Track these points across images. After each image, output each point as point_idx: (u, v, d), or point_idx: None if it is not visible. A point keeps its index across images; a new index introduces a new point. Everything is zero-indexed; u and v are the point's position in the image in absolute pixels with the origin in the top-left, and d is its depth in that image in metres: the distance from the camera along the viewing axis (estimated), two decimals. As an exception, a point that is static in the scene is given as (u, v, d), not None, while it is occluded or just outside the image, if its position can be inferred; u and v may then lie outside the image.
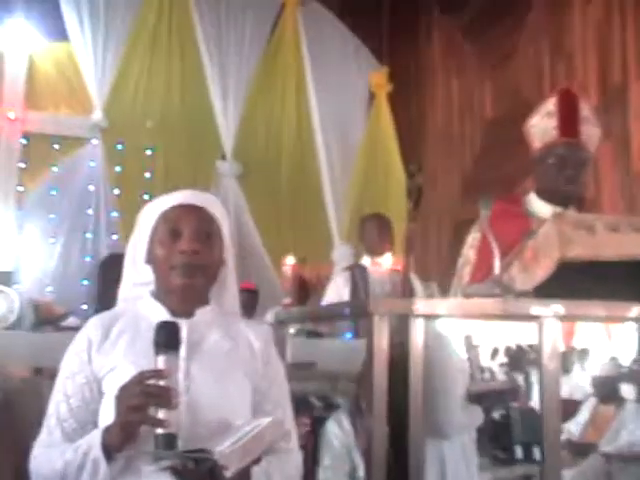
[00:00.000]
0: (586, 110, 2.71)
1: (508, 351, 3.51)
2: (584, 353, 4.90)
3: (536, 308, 1.82)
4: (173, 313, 1.59)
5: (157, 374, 1.40)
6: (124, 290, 1.70)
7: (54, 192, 7.05)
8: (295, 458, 1.66)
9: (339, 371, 3.69)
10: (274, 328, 2.70)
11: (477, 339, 2.84)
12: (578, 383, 5.90)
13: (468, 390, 2.69)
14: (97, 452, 1.43)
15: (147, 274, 1.64)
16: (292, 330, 5.60)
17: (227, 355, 1.60)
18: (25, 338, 5.88)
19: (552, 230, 1.76)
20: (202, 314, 1.62)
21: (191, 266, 1.57)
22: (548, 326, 1.86)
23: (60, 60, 7.15)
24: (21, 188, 6.97)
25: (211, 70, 7.50)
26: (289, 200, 7.74)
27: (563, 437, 4.92)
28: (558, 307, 1.81)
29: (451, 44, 7.50)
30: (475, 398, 2.71)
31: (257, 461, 1.47)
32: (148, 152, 7.36)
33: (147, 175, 7.31)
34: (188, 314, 1.60)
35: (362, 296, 3.47)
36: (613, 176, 5.48)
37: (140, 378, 1.41)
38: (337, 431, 2.87)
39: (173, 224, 1.60)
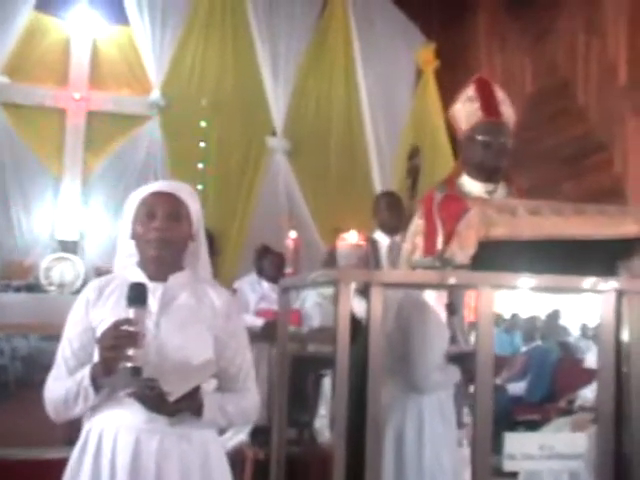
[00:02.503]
0: (500, 93, 2.97)
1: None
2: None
3: (464, 278, 2.12)
4: (151, 278, 1.98)
5: (127, 322, 1.81)
6: (119, 260, 2.10)
7: (117, 166, 7.60)
8: (252, 397, 2.04)
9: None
10: (279, 294, 3.05)
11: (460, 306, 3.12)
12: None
13: (448, 351, 3.00)
14: (86, 382, 1.86)
15: (132, 247, 2.04)
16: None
17: (192, 311, 1.98)
18: (89, 301, 6.47)
19: (477, 213, 2.06)
20: (174, 279, 2.01)
21: (162, 240, 1.95)
22: (481, 294, 2.16)
23: (122, 44, 7.66)
24: (86, 163, 7.53)
25: (262, 50, 7.88)
26: (337, 175, 8.08)
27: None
28: (483, 278, 2.10)
29: (495, 21, 7.65)
30: (455, 359, 3.00)
31: (196, 390, 1.86)
32: (203, 128, 7.81)
33: (202, 150, 7.78)
34: (163, 279, 1.99)
35: (371, 267, 3.82)
36: (640, 152, 5.62)
37: (115, 325, 1.82)
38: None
39: (149, 207, 1.98)
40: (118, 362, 1.79)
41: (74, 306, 2.01)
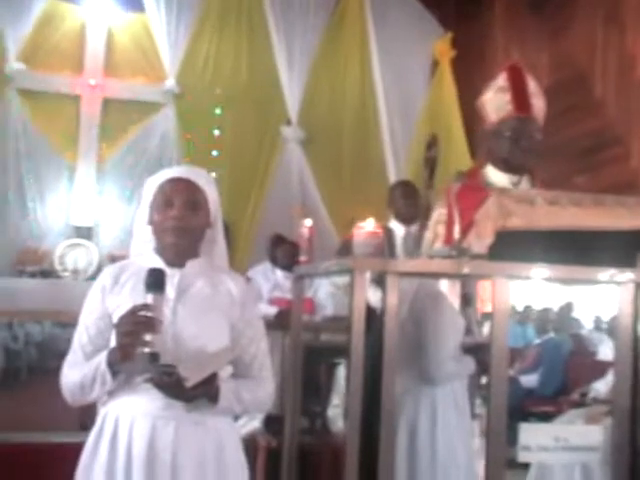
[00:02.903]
0: (533, 84, 2.91)
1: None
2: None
3: (479, 268, 2.11)
4: (168, 264, 1.97)
5: (145, 307, 1.80)
6: (135, 245, 2.10)
7: (131, 154, 7.61)
8: (267, 385, 2.03)
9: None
10: (294, 282, 3.05)
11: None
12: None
13: (463, 342, 2.98)
14: (103, 367, 1.86)
15: (149, 233, 2.03)
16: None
17: (209, 299, 1.98)
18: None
19: (494, 203, 2.05)
20: (192, 266, 2.00)
21: (180, 229, 1.95)
22: (497, 284, 2.15)
23: (137, 31, 7.66)
24: (101, 150, 7.55)
25: (277, 39, 7.86)
26: (351, 165, 8.05)
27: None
28: (499, 268, 2.09)
29: (512, 13, 7.60)
30: (469, 349, 2.98)
31: (214, 376, 1.86)
32: (217, 117, 7.81)
33: (216, 139, 7.78)
34: (180, 265, 1.99)
35: (385, 255, 3.80)
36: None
37: (132, 310, 1.82)
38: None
39: (167, 195, 1.97)
40: (135, 347, 1.79)
41: (90, 293, 2.01)
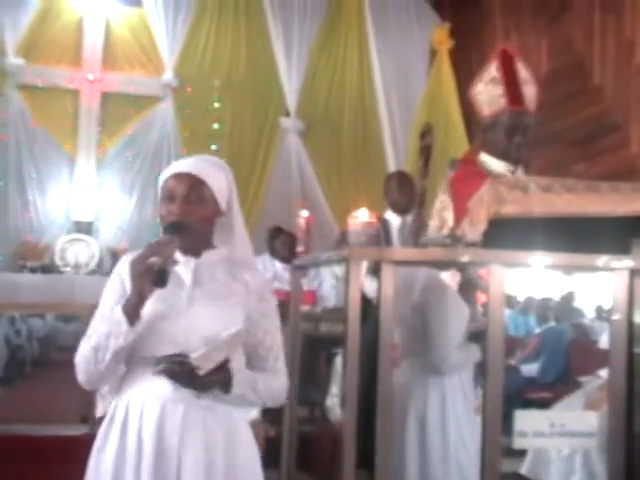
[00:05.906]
0: (523, 70, 2.87)
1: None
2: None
3: (475, 256, 2.12)
4: (185, 253, 1.99)
5: (161, 240, 1.86)
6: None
7: (130, 147, 7.63)
8: (281, 378, 2.03)
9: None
10: (292, 273, 3.06)
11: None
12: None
13: (469, 329, 2.96)
14: (118, 314, 1.83)
15: None
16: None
17: (224, 287, 1.98)
18: (103, 282, 6.52)
19: (488, 190, 2.05)
20: (207, 256, 2.01)
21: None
22: (493, 272, 2.15)
23: (134, 24, 7.66)
24: (100, 144, 7.56)
25: (275, 30, 7.85)
26: (351, 155, 8.06)
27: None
28: (494, 255, 2.10)
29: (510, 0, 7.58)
30: (475, 337, 2.96)
31: (226, 362, 1.86)
32: (216, 109, 7.81)
33: (215, 131, 7.78)
34: (196, 254, 2.00)
35: (381, 245, 3.82)
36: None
37: (148, 244, 1.86)
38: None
39: (169, 190, 1.99)
40: (151, 277, 1.80)
41: (110, 279, 2.00)
